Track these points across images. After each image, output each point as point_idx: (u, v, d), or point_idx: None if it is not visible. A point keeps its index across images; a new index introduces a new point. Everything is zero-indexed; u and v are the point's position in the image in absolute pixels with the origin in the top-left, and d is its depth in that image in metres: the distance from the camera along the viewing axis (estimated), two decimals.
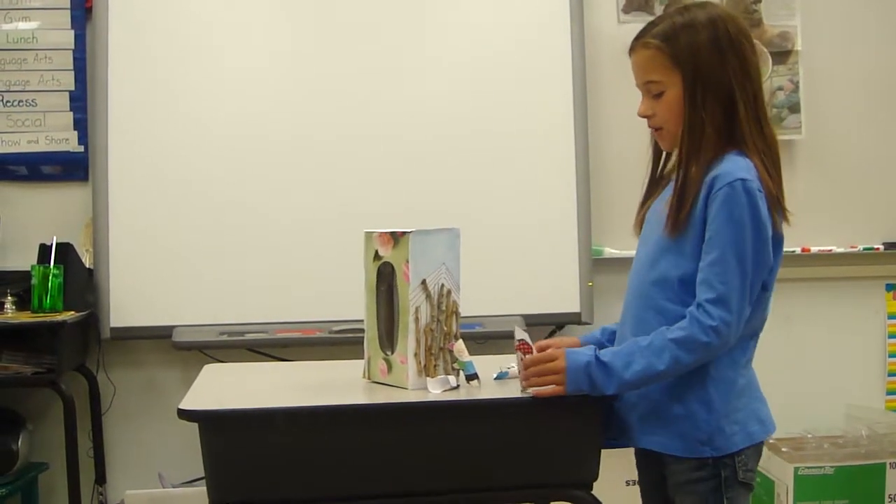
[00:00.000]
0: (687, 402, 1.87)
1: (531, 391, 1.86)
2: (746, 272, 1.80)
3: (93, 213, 3.62)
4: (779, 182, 1.88)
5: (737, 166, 1.82)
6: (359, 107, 3.71)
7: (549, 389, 1.84)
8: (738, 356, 1.90)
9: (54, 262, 3.39)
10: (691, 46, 1.86)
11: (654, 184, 2.05)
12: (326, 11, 3.73)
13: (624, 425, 1.96)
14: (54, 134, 3.67)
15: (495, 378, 2.01)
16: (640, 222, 2.04)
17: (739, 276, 1.80)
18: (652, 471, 1.98)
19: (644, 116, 1.96)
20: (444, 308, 1.97)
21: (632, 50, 1.95)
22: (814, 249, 4.00)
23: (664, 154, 2.03)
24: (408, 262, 1.93)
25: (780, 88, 4.00)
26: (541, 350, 1.92)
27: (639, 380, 1.82)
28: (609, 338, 2.10)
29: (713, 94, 1.86)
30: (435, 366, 1.96)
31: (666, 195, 1.95)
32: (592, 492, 1.91)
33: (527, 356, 1.88)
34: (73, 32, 3.66)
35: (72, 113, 3.67)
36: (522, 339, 1.90)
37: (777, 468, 3.67)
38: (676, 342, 1.80)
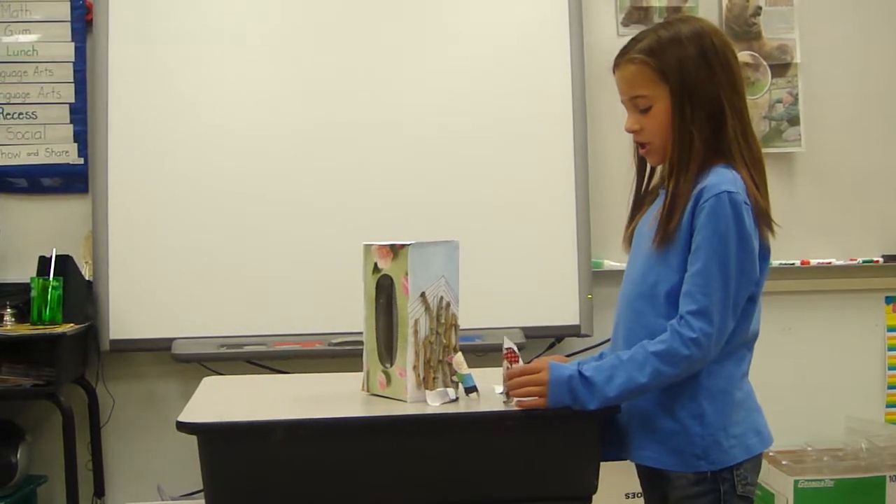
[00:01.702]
0: (679, 417, 1.86)
1: (514, 402, 1.87)
2: (730, 284, 1.80)
3: (92, 226, 3.62)
4: (766, 194, 1.89)
5: (723, 178, 1.82)
6: (357, 123, 3.71)
7: (531, 401, 1.85)
8: (734, 369, 1.89)
9: (54, 275, 3.39)
10: (679, 60, 1.87)
11: (640, 200, 2.05)
12: (328, 26, 3.74)
13: (623, 440, 1.95)
14: (54, 146, 3.67)
15: (500, 393, 2.00)
16: (628, 239, 2.04)
17: (722, 288, 1.79)
18: (655, 487, 1.97)
19: (631, 132, 1.96)
20: (443, 321, 1.97)
21: (616, 66, 1.95)
22: (813, 262, 4.00)
23: (648, 171, 2.04)
24: (407, 274, 1.93)
25: (780, 101, 4.01)
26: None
27: (621, 394, 1.81)
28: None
29: (701, 108, 1.86)
30: (434, 378, 1.95)
31: (653, 211, 1.95)
32: None
33: (512, 366, 1.89)
34: (73, 45, 3.67)
35: (72, 125, 3.68)
36: (510, 349, 1.90)
37: (777, 481, 3.66)
38: (657, 355, 1.80)
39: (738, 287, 1.81)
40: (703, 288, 1.79)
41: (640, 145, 1.97)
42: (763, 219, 1.86)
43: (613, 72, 1.97)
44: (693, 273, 1.81)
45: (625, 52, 1.93)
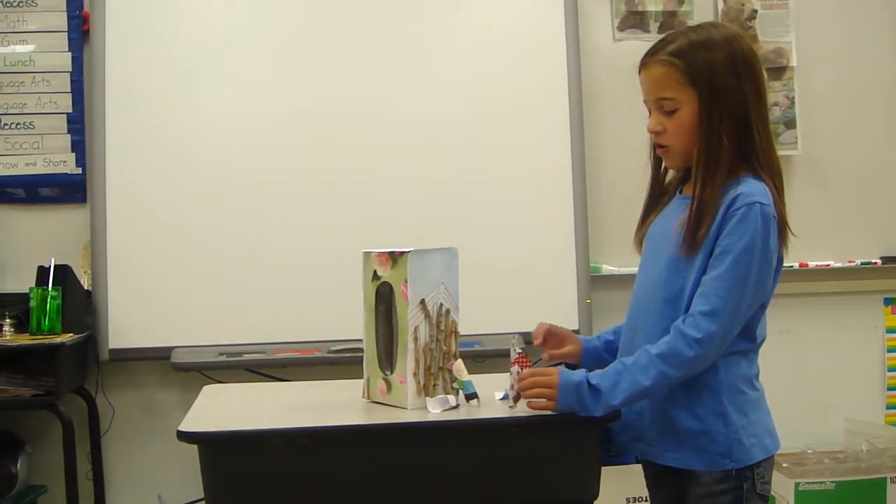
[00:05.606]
0: (703, 418, 1.88)
1: (524, 403, 1.87)
2: (745, 294, 1.82)
3: (91, 235, 3.62)
4: (784, 203, 1.90)
5: (756, 189, 1.84)
6: (356, 130, 3.72)
7: (540, 403, 1.85)
8: (748, 371, 1.91)
9: (52, 284, 3.39)
10: (709, 65, 1.86)
11: (655, 200, 2.05)
12: (326, 38, 3.73)
13: (641, 443, 1.97)
14: (52, 156, 3.67)
15: (500, 399, 2.01)
16: (639, 240, 2.05)
17: (738, 295, 1.81)
18: (670, 487, 1.98)
19: (654, 132, 1.95)
20: (442, 327, 1.97)
21: (643, 66, 1.94)
22: (812, 264, 4.01)
23: (663, 170, 2.03)
24: (406, 281, 1.93)
25: (776, 104, 4.02)
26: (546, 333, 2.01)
27: (626, 399, 1.83)
28: (605, 346, 2.13)
29: (729, 114, 1.86)
30: (434, 385, 1.96)
31: (671, 211, 1.96)
32: None
33: (524, 369, 1.89)
34: (70, 55, 3.67)
35: (69, 135, 3.68)
36: (522, 353, 1.91)
37: (778, 484, 3.66)
38: (661, 357, 1.81)
39: (752, 297, 1.84)
40: (721, 291, 1.81)
41: (658, 146, 1.97)
42: (784, 230, 1.88)
43: (639, 71, 1.95)
44: (713, 276, 1.82)
45: (653, 52, 1.92)
